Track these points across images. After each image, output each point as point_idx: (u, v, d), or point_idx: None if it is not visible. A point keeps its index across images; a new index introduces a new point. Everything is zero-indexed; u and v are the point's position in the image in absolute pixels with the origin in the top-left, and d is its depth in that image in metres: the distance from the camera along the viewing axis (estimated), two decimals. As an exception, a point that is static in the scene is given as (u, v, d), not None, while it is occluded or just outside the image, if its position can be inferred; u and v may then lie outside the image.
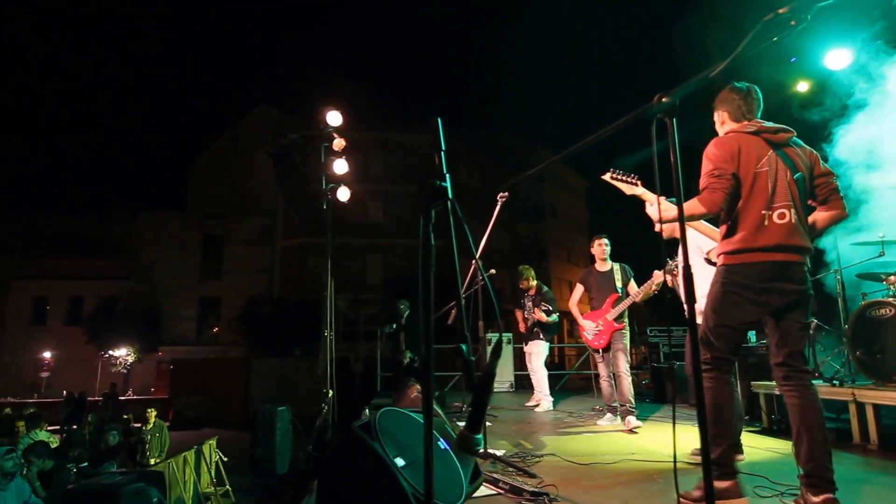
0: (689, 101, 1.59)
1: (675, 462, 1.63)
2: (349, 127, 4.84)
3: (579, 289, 4.59)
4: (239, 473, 3.73)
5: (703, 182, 2.10)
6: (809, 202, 2.14)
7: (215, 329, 24.55)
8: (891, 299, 3.32)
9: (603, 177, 2.81)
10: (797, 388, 1.97)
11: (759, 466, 2.44)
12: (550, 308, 5.62)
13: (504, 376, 8.39)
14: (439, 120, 1.32)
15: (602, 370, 4.39)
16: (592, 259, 4.55)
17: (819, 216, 2.15)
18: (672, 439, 2.14)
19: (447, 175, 1.28)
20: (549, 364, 6.12)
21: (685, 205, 2.10)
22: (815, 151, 2.18)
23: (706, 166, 2.12)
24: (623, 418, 4.06)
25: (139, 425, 8.68)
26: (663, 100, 1.56)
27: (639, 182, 2.69)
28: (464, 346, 1.13)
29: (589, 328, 4.35)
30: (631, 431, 3.85)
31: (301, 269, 22.50)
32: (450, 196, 1.25)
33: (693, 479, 2.17)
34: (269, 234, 24.70)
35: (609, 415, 4.29)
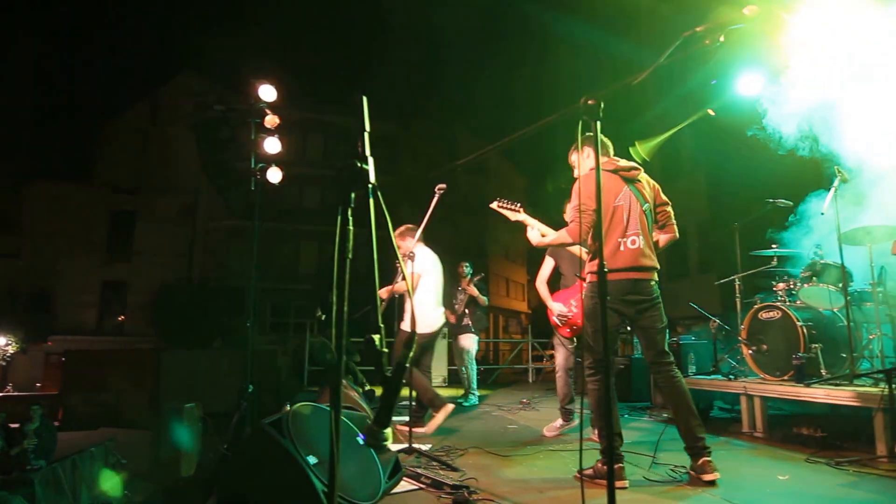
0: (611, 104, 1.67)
1: (580, 450, 1.69)
2: (286, 105, 4.52)
3: (549, 263, 3.76)
4: (139, 477, 3.36)
5: (570, 215, 2.52)
6: (654, 226, 2.66)
7: (121, 317, 22.11)
8: (778, 303, 3.75)
9: (490, 205, 3.10)
10: (666, 378, 2.48)
11: (673, 457, 2.64)
12: (483, 288, 5.92)
13: (437, 371, 8.43)
14: (364, 98, 1.24)
15: (560, 362, 3.64)
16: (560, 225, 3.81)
17: (660, 238, 2.69)
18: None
19: (370, 158, 1.20)
20: (482, 359, 6.30)
21: (556, 234, 2.68)
22: (657, 184, 2.69)
23: (574, 201, 2.53)
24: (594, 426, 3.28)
25: (17, 425, 7.56)
26: (589, 102, 1.62)
27: (521, 209, 2.98)
28: (375, 337, 1.06)
29: (559, 311, 3.56)
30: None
31: (225, 254, 20.98)
32: (371, 181, 1.18)
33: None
34: (190, 214, 22.64)
35: (560, 420, 3.61)
